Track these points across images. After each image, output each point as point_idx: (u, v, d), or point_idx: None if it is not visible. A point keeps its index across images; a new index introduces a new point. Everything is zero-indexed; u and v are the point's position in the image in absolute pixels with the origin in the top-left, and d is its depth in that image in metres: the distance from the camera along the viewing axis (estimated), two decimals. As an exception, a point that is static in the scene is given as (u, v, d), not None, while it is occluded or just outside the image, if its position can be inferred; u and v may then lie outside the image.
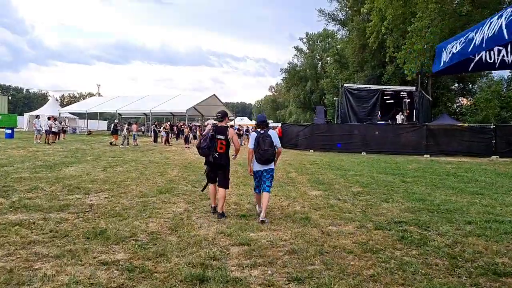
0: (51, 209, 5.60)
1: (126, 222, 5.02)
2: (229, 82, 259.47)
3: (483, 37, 2.41)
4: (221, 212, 5.44)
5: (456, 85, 38.26)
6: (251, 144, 5.47)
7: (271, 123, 39.19)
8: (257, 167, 5.43)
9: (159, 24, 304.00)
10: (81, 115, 41.96)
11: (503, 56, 3.31)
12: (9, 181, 7.84)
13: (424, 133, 19.25)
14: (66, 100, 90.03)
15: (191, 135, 24.29)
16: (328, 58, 54.17)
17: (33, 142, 19.96)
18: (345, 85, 27.84)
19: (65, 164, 11.21)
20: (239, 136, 23.63)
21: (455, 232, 4.88)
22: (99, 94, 55.50)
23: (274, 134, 5.51)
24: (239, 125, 36.23)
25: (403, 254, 4.03)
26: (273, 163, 5.46)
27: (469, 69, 3.44)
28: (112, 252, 3.89)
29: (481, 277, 3.46)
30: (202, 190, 6.17)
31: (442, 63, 3.03)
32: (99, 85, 57.48)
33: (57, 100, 58.22)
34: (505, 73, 35.40)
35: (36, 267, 3.46)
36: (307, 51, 64.15)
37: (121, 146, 20.28)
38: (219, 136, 5.44)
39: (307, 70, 62.25)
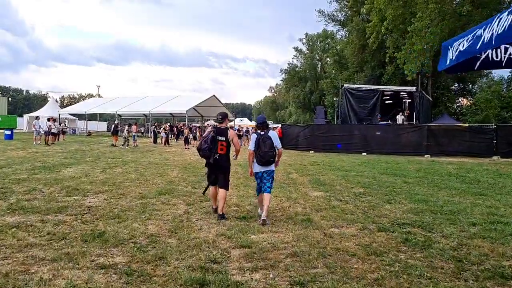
0: (49, 211, 5.52)
1: (125, 224, 4.94)
2: (229, 83, 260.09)
3: (492, 34, 2.33)
4: (221, 213, 5.39)
5: (456, 85, 38.22)
6: (251, 145, 5.44)
7: (270, 124, 39.11)
8: (258, 168, 5.42)
9: (159, 25, 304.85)
10: (80, 116, 41.91)
11: (510, 54, 3.24)
12: (7, 183, 7.75)
13: (424, 134, 19.16)
14: (66, 101, 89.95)
15: (190, 136, 24.21)
16: (328, 59, 54.17)
17: (32, 144, 19.87)
18: (345, 85, 27.76)
19: (64, 165, 11.13)
20: (239, 137, 23.53)
21: (459, 234, 4.79)
22: (98, 95, 55.38)
23: (274, 135, 5.47)
24: (239, 125, 36.15)
25: (408, 257, 3.95)
26: (273, 164, 5.44)
27: (475, 68, 3.37)
28: (110, 255, 3.81)
29: (488, 280, 3.37)
30: (204, 193, 6.17)
31: (448, 61, 2.95)
32: (99, 86, 57.23)
33: (56, 101, 58.28)
34: (505, 73, 35.40)
35: (33, 270, 3.39)
36: (307, 51, 64.15)
37: (121, 146, 20.25)
38: (220, 138, 5.42)
39: (307, 71, 62.24)
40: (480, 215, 5.84)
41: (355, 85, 29.81)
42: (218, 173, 5.51)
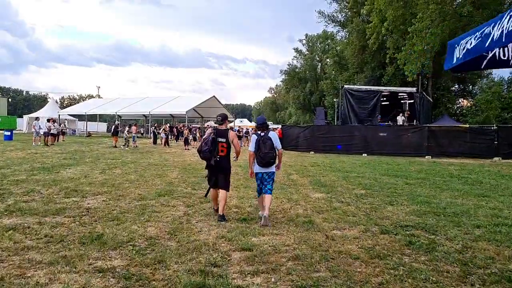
0: (47, 213, 5.44)
1: (123, 226, 4.86)
2: (228, 84, 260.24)
3: (502, 31, 2.26)
4: (221, 214, 5.32)
5: (456, 86, 38.12)
6: (251, 147, 5.39)
7: (270, 125, 39.05)
8: (258, 169, 5.38)
9: (159, 26, 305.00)
10: (80, 117, 41.85)
11: (517, 53, 3.16)
12: (5, 184, 7.68)
13: (425, 134, 19.10)
14: (65, 102, 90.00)
15: (190, 137, 24.12)
16: (328, 60, 54.07)
17: (31, 144, 19.78)
18: (346, 86, 27.71)
19: (63, 166, 11.04)
20: (239, 138, 23.44)
21: (464, 237, 4.71)
22: (98, 96, 55.30)
23: (274, 136, 5.43)
24: (239, 126, 36.09)
25: (412, 260, 3.87)
26: (274, 166, 5.40)
27: (482, 67, 3.29)
28: (108, 258, 3.73)
29: (495, 285, 3.29)
30: (205, 196, 6.13)
31: (455, 59, 2.88)
32: (99, 87, 57.46)
33: (56, 102, 58.18)
34: (506, 74, 35.32)
35: (29, 274, 3.31)
36: (307, 52, 64.04)
37: (122, 147, 20.22)
38: (220, 139, 5.39)
39: (307, 72, 62.14)
40: (484, 217, 5.76)
41: (355, 86, 29.74)
42: (219, 174, 5.46)
